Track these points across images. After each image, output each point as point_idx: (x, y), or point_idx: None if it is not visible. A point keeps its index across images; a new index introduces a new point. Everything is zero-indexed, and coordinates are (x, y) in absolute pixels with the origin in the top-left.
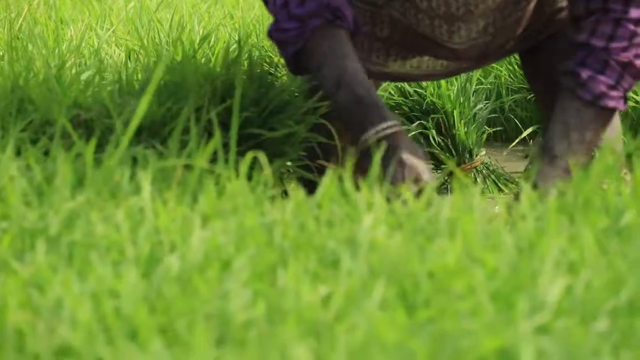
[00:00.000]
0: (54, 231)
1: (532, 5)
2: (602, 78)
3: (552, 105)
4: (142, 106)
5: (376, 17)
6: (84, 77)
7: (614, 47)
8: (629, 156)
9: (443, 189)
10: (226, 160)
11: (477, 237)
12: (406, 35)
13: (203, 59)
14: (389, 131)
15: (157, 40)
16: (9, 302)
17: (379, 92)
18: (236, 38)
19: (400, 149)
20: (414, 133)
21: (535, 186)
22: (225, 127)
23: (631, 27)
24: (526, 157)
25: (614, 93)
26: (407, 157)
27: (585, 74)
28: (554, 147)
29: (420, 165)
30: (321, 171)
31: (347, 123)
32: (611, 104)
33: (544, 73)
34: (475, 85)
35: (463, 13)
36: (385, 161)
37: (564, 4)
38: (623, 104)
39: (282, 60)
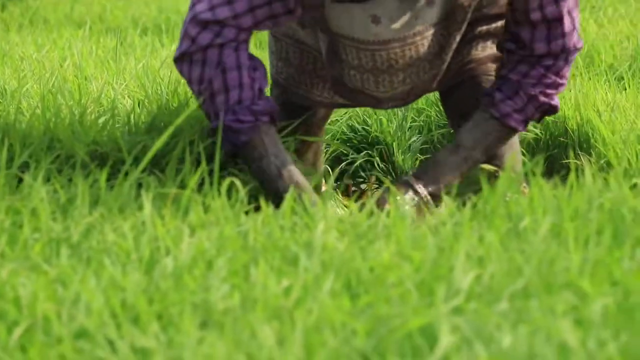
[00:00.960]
0: (75, 240)
1: (445, 65)
2: (509, 102)
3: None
4: (158, 144)
5: (318, 60)
6: (101, 121)
7: (525, 82)
8: (526, 174)
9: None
10: (211, 184)
11: (406, 240)
12: (338, 84)
13: (194, 107)
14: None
15: (159, 92)
16: (39, 296)
17: (331, 126)
18: None
19: None
20: (361, 161)
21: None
22: (211, 158)
23: (542, 70)
24: None
25: (516, 116)
26: None
27: (498, 96)
28: (462, 139)
29: None
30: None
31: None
32: (512, 123)
33: (459, 108)
34: (410, 123)
35: (387, 67)
36: None
37: (470, 58)
38: (523, 127)
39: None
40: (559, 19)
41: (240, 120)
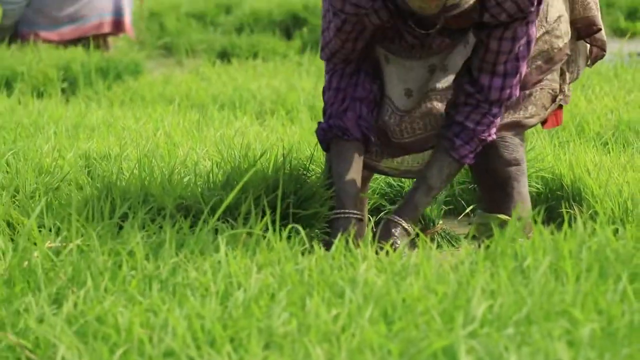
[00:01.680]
0: (164, 276)
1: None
2: (467, 147)
3: (486, 191)
4: (229, 198)
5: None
6: (185, 179)
7: (478, 129)
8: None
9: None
10: (274, 230)
11: (432, 276)
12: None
13: (261, 167)
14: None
15: (232, 156)
16: (135, 323)
17: (372, 183)
18: (283, 153)
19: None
20: None
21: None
22: (275, 209)
23: (491, 118)
24: (469, 224)
25: (471, 155)
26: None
27: (458, 142)
28: (431, 180)
29: None
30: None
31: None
32: (467, 161)
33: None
34: None
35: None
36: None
37: None
38: (472, 160)
39: (312, 166)
40: (515, 74)
41: (321, 127)
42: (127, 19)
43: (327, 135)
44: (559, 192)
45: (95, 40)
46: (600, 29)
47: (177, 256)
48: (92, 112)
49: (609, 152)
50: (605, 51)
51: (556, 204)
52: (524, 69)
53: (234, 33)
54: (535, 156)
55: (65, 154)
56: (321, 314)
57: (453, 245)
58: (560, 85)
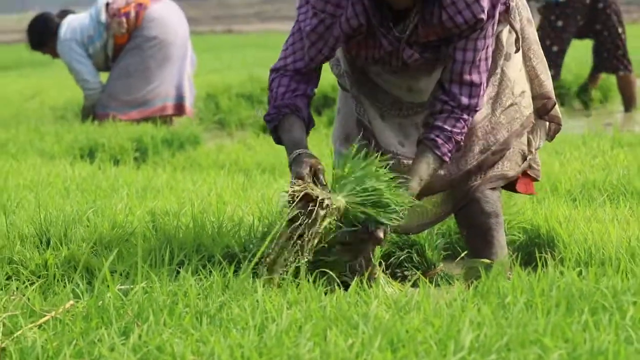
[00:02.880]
0: (212, 312)
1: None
2: (447, 145)
3: (470, 240)
4: (263, 247)
5: None
6: (231, 232)
7: (455, 131)
8: (510, 265)
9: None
10: (305, 274)
11: (430, 311)
12: None
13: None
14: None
15: (270, 212)
16: (187, 350)
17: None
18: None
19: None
20: (403, 256)
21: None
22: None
23: (463, 123)
24: (462, 267)
25: (449, 154)
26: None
27: (439, 141)
28: (421, 172)
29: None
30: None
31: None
32: (446, 158)
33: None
34: (437, 230)
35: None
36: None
37: None
38: (449, 159)
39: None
40: (479, 84)
41: (269, 113)
42: (188, 102)
43: (277, 115)
44: (536, 240)
45: (161, 117)
46: (555, 104)
47: (223, 296)
48: (158, 176)
49: (577, 207)
50: (561, 125)
51: (533, 249)
52: (484, 81)
53: None
54: (517, 210)
55: (135, 211)
56: (339, 343)
57: (449, 284)
58: (527, 148)
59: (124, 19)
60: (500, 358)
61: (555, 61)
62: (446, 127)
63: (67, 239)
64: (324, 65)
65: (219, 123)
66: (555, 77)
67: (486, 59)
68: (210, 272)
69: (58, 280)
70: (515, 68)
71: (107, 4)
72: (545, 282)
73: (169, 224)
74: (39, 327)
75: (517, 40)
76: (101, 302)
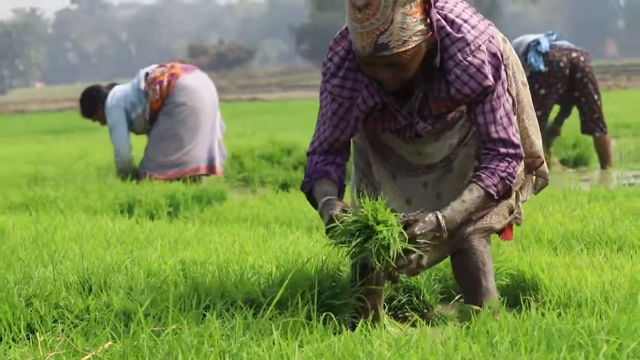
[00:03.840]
0: (234, 351)
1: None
2: (490, 179)
3: (462, 286)
4: (279, 294)
5: None
6: (252, 279)
7: (498, 168)
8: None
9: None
10: (314, 316)
11: (427, 349)
12: None
13: (307, 269)
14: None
15: (288, 261)
16: None
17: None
18: (322, 260)
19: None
20: (404, 299)
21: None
22: (314, 301)
23: (509, 163)
24: (455, 310)
25: (494, 187)
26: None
27: (483, 176)
28: (465, 197)
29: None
30: (359, 318)
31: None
32: (491, 191)
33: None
34: (434, 276)
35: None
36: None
37: None
38: (494, 191)
39: (344, 268)
40: (508, 138)
41: (304, 181)
42: (218, 164)
43: (310, 181)
44: (521, 284)
45: (192, 176)
46: (543, 162)
47: (244, 336)
48: (188, 229)
49: (558, 255)
50: (548, 181)
51: (519, 293)
52: (513, 132)
53: (292, 170)
54: (505, 258)
55: (167, 260)
56: None
57: (445, 324)
58: (515, 202)
59: (157, 87)
60: None
61: (538, 124)
62: (490, 165)
63: (106, 286)
64: None
65: (243, 180)
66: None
67: (507, 114)
68: (233, 315)
69: (98, 323)
70: None
71: (147, 74)
72: (528, 323)
73: (197, 272)
74: None
75: (513, 104)
76: (136, 342)
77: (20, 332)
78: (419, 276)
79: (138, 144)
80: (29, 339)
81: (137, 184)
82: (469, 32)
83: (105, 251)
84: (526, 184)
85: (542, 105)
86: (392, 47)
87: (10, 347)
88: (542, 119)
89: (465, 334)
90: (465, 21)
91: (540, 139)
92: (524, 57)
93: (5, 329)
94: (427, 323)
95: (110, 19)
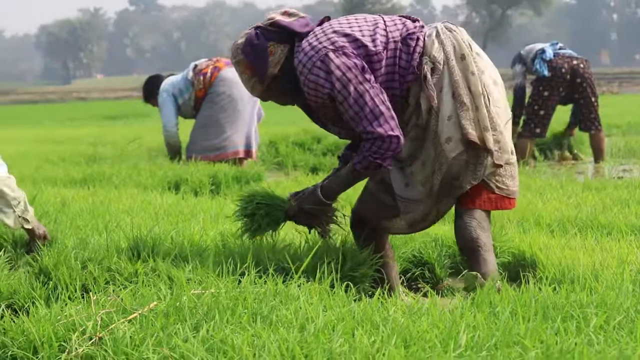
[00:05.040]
0: (265, 314)
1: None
2: (358, 158)
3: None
4: (306, 263)
5: None
6: (283, 249)
7: (364, 149)
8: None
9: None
10: (337, 284)
11: (436, 316)
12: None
13: (333, 242)
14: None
15: (313, 235)
16: (244, 343)
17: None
18: (346, 235)
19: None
20: (417, 273)
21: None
22: (337, 271)
23: (370, 144)
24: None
25: (358, 164)
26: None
27: (355, 155)
28: (342, 171)
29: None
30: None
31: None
32: (357, 167)
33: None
34: (444, 253)
35: None
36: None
37: None
38: (360, 168)
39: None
40: (368, 130)
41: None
42: (254, 149)
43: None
44: (522, 262)
45: (233, 160)
46: (486, 145)
47: (274, 301)
48: (228, 205)
49: (554, 237)
50: (496, 162)
51: (519, 269)
52: (368, 125)
53: (321, 155)
54: (508, 238)
55: (208, 232)
56: (364, 340)
57: (453, 295)
58: (474, 171)
59: (201, 77)
60: (490, 355)
61: (541, 122)
62: (361, 148)
63: (154, 253)
64: None
65: (277, 164)
66: (542, 134)
67: (361, 108)
68: (265, 281)
69: (145, 285)
70: (442, 121)
71: (195, 66)
72: (527, 296)
73: (234, 243)
74: (128, 321)
75: (431, 109)
76: (178, 303)
77: (75, 291)
78: (430, 251)
79: (185, 129)
80: (83, 298)
81: (183, 165)
82: (305, 54)
83: (154, 222)
84: (484, 160)
85: (545, 105)
86: (251, 92)
87: (66, 304)
88: (545, 117)
89: (471, 304)
90: (309, 44)
91: (472, 125)
92: (531, 63)
93: (62, 289)
94: (438, 294)
95: (164, 19)
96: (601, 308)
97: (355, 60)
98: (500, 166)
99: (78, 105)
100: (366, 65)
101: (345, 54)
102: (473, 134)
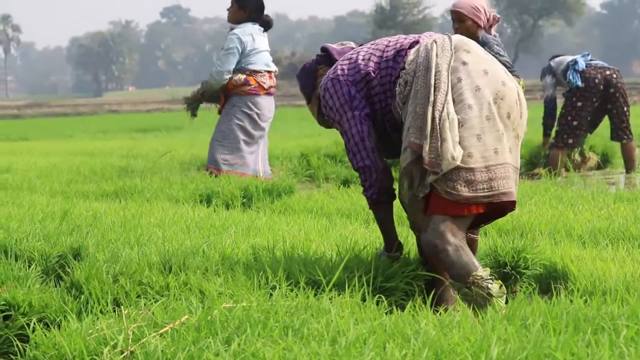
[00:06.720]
0: (296, 327)
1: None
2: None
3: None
4: (336, 276)
5: None
6: (315, 262)
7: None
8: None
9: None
10: (368, 297)
11: (468, 329)
12: None
13: (364, 255)
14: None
15: (346, 248)
16: (275, 357)
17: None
18: (377, 248)
19: None
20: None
21: None
22: (368, 283)
23: (360, 175)
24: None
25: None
26: None
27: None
28: None
29: None
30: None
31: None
32: (365, 194)
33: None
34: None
35: None
36: None
37: None
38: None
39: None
40: (352, 165)
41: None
42: (262, 175)
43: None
44: (553, 274)
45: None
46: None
47: (305, 314)
48: (260, 218)
49: (586, 248)
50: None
51: (551, 281)
52: (357, 150)
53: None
54: (539, 250)
55: (240, 245)
56: (395, 354)
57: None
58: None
59: (244, 78)
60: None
61: (574, 132)
62: None
63: (185, 266)
64: None
65: (309, 177)
66: (575, 145)
67: (348, 143)
68: (297, 295)
69: (176, 299)
70: (405, 131)
71: (253, 70)
72: (558, 308)
73: (266, 256)
74: (160, 335)
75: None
76: (210, 317)
77: (107, 305)
78: None
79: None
80: (114, 311)
81: (215, 178)
82: (323, 78)
83: (185, 236)
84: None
85: (577, 116)
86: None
87: (98, 318)
88: (578, 128)
89: (502, 318)
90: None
91: (419, 133)
92: (563, 74)
93: (94, 303)
94: (469, 306)
95: (195, 31)
96: (632, 320)
97: (345, 89)
98: (437, 173)
99: (110, 118)
100: (353, 92)
101: (339, 82)
102: (415, 143)
